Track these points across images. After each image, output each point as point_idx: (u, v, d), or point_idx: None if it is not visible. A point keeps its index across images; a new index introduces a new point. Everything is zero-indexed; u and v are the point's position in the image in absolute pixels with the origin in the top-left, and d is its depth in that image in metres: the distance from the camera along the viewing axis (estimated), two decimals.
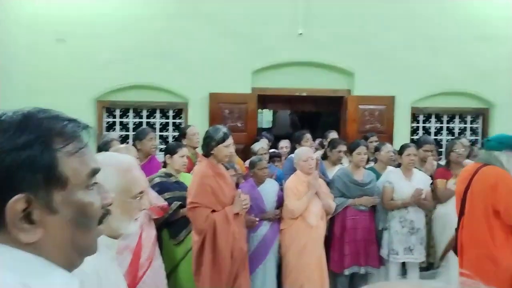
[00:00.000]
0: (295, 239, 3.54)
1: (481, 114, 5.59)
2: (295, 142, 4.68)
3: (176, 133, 5.31)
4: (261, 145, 4.52)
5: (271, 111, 10.54)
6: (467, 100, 5.52)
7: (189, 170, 3.68)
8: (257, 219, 3.51)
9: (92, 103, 5.39)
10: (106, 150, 2.91)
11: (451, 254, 3.91)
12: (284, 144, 5.05)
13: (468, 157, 4.44)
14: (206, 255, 2.75)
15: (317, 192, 3.61)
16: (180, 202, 3.22)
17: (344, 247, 3.83)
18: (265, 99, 6.10)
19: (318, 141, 5.25)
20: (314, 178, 3.64)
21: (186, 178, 3.38)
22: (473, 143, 5.46)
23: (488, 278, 2.85)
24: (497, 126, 5.39)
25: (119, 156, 1.36)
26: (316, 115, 7.71)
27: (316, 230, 3.57)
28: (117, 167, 1.22)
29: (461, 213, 3.20)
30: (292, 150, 4.51)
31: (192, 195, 2.85)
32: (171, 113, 5.69)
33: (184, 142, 4.09)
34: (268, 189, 3.72)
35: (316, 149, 4.80)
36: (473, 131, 5.69)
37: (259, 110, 10.29)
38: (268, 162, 4.37)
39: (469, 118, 5.67)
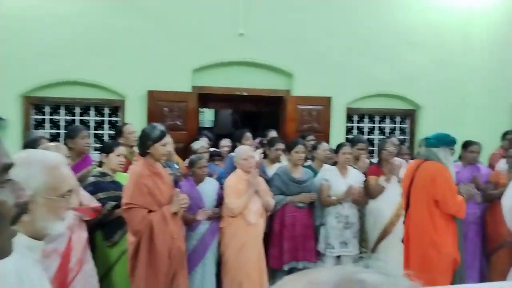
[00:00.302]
0: (234, 237, 3.55)
1: (409, 115, 5.97)
2: (236, 141, 4.70)
3: (112, 132, 5.11)
4: (201, 144, 4.48)
5: (213, 110, 10.52)
6: (396, 102, 5.86)
7: (126, 169, 3.57)
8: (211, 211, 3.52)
9: (18, 99, 5.03)
10: (34, 148, 2.73)
11: (381, 247, 4.16)
12: (225, 143, 5.05)
13: (397, 155, 4.73)
14: (142, 256, 2.67)
15: (256, 190, 3.65)
16: (116, 202, 3.11)
17: (283, 243, 3.91)
18: (205, 98, 6.06)
19: (258, 140, 5.31)
20: (254, 177, 3.68)
21: (123, 178, 3.27)
22: (402, 142, 5.81)
23: (432, 263, 3.11)
24: (423, 126, 5.80)
25: (46, 153, 1.29)
26: (257, 115, 7.80)
27: (255, 227, 3.61)
28: (43, 164, 1.15)
29: (407, 206, 3.46)
30: (233, 149, 4.53)
31: (128, 196, 2.76)
32: (106, 111, 5.46)
33: (121, 141, 3.95)
34: (208, 188, 3.70)
35: (257, 148, 4.85)
36: (402, 131, 6.06)
37: (200, 109, 10.26)
38: (209, 161, 4.35)
39: (398, 119, 6.03)
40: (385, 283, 0.45)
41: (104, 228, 3.20)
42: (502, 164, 4.47)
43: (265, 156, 4.47)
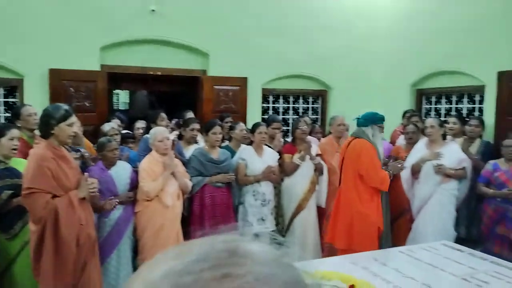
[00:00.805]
0: (151, 221, 3.44)
1: (321, 96, 6.24)
2: (151, 122, 4.52)
3: (8, 114, 4.62)
4: (112, 125, 4.24)
5: (128, 92, 10.02)
6: (309, 83, 6.09)
7: (25, 155, 3.24)
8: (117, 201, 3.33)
9: None
10: None
11: (295, 221, 4.34)
12: (140, 125, 4.83)
13: (310, 133, 4.93)
14: (47, 245, 2.45)
15: (173, 172, 3.57)
16: (13, 191, 2.82)
17: (204, 224, 3.89)
18: (117, 78, 5.73)
19: (175, 121, 5.18)
20: (170, 159, 3.58)
21: (21, 164, 2.96)
22: (315, 121, 6.07)
23: (360, 232, 3.31)
24: (334, 106, 6.11)
25: None
26: (175, 96, 7.59)
27: (172, 210, 3.53)
28: None
29: (340, 180, 3.66)
30: (148, 130, 4.36)
31: (28, 180, 2.49)
32: (1, 91, 4.90)
33: (19, 124, 3.58)
34: (120, 172, 3.52)
35: (173, 129, 4.73)
36: (314, 111, 6.33)
37: (114, 91, 9.71)
38: (121, 144, 4.14)
39: (311, 99, 6.28)
40: (261, 252, 0.43)
41: (1, 220, 2.88)
42: (401, 140, 4.89)
43: (181, 137, 4.37)
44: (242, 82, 5.56)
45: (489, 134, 4.54)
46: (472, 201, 4.30)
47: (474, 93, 5.15)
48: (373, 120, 3.61)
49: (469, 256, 2.64)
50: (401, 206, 4.57)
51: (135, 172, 3.59)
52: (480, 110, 4.99)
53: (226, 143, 4.58)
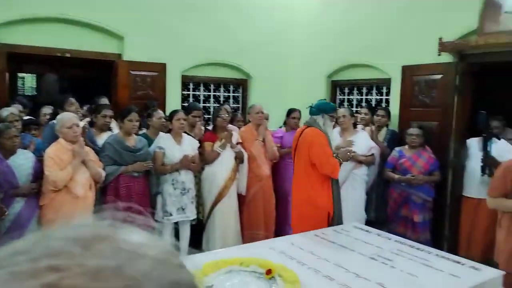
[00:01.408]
0: (59, 213, 3.18)
1: (242, 84, 6.26)
2: (58, 108, 4.16)
3: None
4: (11, 110, 3.83)
5: (35, 76, 9.15)
6: (230, 71, 6.07)
7: None
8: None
9: None
10: None
11: (216, 210, 4.33)
12: (46, 110, 4.43)
13: (231, 122, 4.92)
14: None
15: (84, 160, 3.33)
16: None
17: None
18: (20, 60, 5.19)
19: (86, 107, 4.84)
20: (80, 146, 3.33)
21: None
22: (236, 109, 6.08)
23: (310, 217, 3.37)
24: (254, 94, 6.17)
25: None
26: (89, 81, 7.09)
27: (84, 201, 3.30)
28: None
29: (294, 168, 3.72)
30: (55, 116, 4.01)
31: None
32: None
33: None
34: (21, 161, 3.19)
35: (84, 116, 4.41)
36: (235, 99, 6.33)
37: (20, 75, 8.79)
38: (23, 131, 3.76)
39: (232, 88, 6.27)
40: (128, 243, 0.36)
41: None
42: None
43: (93, 124, 4.10)
44: (160, 68, 5.35)
45: (394, 124, 4.91)
46: (380, 186, 4.63)
47: (382, 85, 5.53)
48: (325, 109, 3.70)
49: (377, 237, 2.83)
50: None
51: (40, 161, 3.28)
52: (387, 101, 5.38)
53: (144, 130, 4.42)
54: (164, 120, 4.33)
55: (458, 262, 2.43)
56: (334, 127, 4.63)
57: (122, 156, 3.75)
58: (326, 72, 6.04)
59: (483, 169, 4.06)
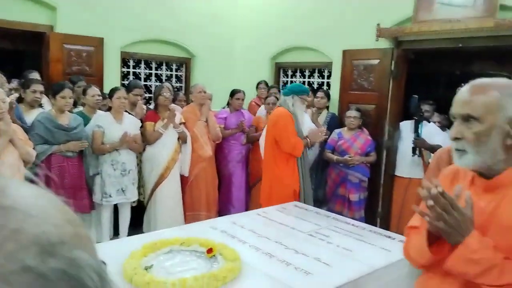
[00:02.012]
0: None
1: (185, 63, 6.10)
2: None
3: None
4: None
5: None
6: (173, 49, 5.88)
7: None
8: None
9: None
10: None
11: (158, 191, 4.24)
12: None
13: (173, 101, 4.80)
14: None
15: (11, 139, 3.09)
16: None
17: None
18: None
19: (15, 82, 4.47)
20: (7, 124, 3.08)
21: None
22: (178, 89, 5.94)
23: (278, 194, 3.41)
24: (197, 74, 6.05)
25: None
26: (19, 55, 6.54)
27: None
28: None
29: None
30: None
31: None
32: None
33: None
34: None
35: (11, 90, 4.08)
36: (178, 79, 6.17)
37: None
38: None
39: (174, 66, 6.10)
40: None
41: None
42: (262, 111, 5.13)
43: (21, 100, 3.81)
44: (97, 42, 5.06)
45: (334, 106, 5.07)
46: (320, 166, 4.79)
47: (324, 68, 5.66)
48: (295, 91, 3.77)
49: (315, 214, 2.93)
50: (259, 172, 4.84)
51: None
52: (328, 84, 5.52)
53: (80, 108, 4.19)
54: (99, 97, 4.13)
55: (389, 237, 2.59)
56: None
57: (54, 135, 3.54)
58: (270, 54, 6.06)
59: (413, 150, 4.33)
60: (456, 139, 1.18)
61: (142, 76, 5.78)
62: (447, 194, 1.10)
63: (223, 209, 4.78)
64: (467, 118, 1.15)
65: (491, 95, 1.13)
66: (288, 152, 3.63)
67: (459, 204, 1.13)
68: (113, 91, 3.98)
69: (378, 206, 4.73)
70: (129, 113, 4.24)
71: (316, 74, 5.86)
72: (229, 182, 4.92)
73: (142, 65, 5.76)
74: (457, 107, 1.19)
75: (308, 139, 3.76)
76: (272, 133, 3.66)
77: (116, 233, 4.13)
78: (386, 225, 4.36)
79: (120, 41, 5.31)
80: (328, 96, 4.96)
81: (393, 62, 4.46)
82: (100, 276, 0.32)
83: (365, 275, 1.98)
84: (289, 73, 6.18)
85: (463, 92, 1.19)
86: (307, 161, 3.91)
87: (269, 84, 5.69)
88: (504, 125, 1.12)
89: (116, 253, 1.95)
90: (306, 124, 3.97)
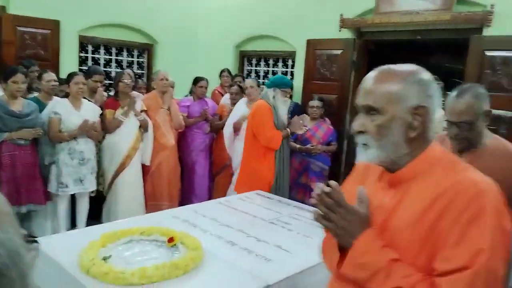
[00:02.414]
0: None
1: (147, 49, 5.94)
2: None
3: None
4: None
5: None
6: (134, 34, 5.71)
7: None
8: None
9: None
10: None
11: (118, 180, 4.14)
12: None
13: (134, 88, 4.68)
14: None
15: None
16: None
17: (1, 187, 3.34)
18: None
19: None
20: None
21: None
22: (140, 76, 5.79)
23: (254, 187, 3.37)
24: (160, 61, 5.91)
25: None
26: None
27: None
28: None
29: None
30: None
31: None
32: None
33: None
34: None
35: None
36: (140, 65, 6.01)
37: None
38: None
39: (136, 52, 5.92)
40: None
41: None
42: (226, 99, 5.09)
43: None
44: (53, 25, 4.82)
45: (298, 96, 5.11)
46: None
47: (288, 57, 5.68)
48: (277, 84, 3.72)
49: (277, 203, 2.96)
50: (223, 161, 4.83)
51: None
52: (292, 73, 5.56)
53: (35, 94, 4.00)
54: (55, 83, 3.96)
55: None
56: (239, 98, 4.70)
57: (5, 122, 3.37)
58: (235, 42, 6.01)
59: None
60: (359, 132, 1.08)
61: (102, 62, 5.58)
62: (334, 193, 1.02)
63: (185, 199, 4.73)
64: (368, 110, 1.06)
65: (393, 84, 1.04)
66: (265, 145, 3.61)
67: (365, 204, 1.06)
68: (70, 76, 3.82)
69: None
70: (89, 100, 4.09)
71: (280, 63, 5.88)
72: (192, 171, 4.87)
73: (102, 50, 5.56)
74: (359, 98, 1.09)
75: (288, 129, 3.74)
76: (251, 125, 3.65)
77: (73, 225, 4.01)
78: None
79: (78, 24, 5.09)
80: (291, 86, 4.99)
81: (355, 52, 4.54)
82: (10, 251, 0.30)
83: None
84: (254, 61, 6.16)
85: (367, 80, 1.09)
86: (287, 153, 3.84)
87: (233, 73, 5.65)
88: (406, 116, 1.03)
89: (73, 244, 1.89)
90: (284, 116, 3.86)
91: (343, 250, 1.07)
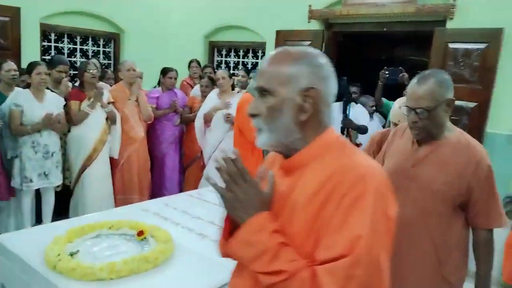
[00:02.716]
0: None
1: (113, 39, 5.78)
2: None
3: None
4: None
5: None
6: (100, 23, 5.53)
7: None
8: None
9: None
10: None
11: (85, 174, 4.03)
12: None
13: (101, 79, 4.55)
14: None
15: None
16: None
17: None
18: None
19: None
20: None
21: None
22: (106, 66, 5.63)
23: None
24: (127, 51, 5.77)
25: None
26: None
27: None
28: None
29: None
30: None
31: None
32: None
33: None
34: None
35: None
36: (106, 55, 5.84)
37: None
38: None
39: (102, 42, 5.75)
40: None
41: None
42: (196, 91, 5.03)
43: None
44: (13, 12, 4.60)
45: None
46: None
47: (258, 48, 5.67)
48: None
49: None
50: (194, 153, 4.79)
51: None
52: None
53: None
54: (15, 72, 3.80)
55: None
56: (210, 90, 4.65)
57: None
58: (204, 32, 5.94)
59: (342, 131, 4.53)
60: (252, 116, 1.03)
61: (66, 51, 5.38)
62: (240, 164, 0.97)
63: (156, 192, 4.67)
64: (261, 92, 1.01)
65: (285, 65, 0.99)
66: (251, 140, 3.58)
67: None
68: (32, 66, 3.67)
69: None
70: (52, 91, 3.95)
71: (250, 54, 5.86)
72: (162, 163, 4.81)
73: (66, 39, 5.36)
74: (255, 80, 1.05)
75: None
76: (237, 121, 3.62)
77: (39, 221, 3.89)
78: None
79: (40, 11, 4.88)
80: None
81: (323, 44, 4.58)
82: None
83: None
84: (224, 52, 6.12)
85: (263, 62, 1.05)
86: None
87: (203, 64, 5.59)
88: (297, 98, 0.98)
89: (38, 240, 1.84)
90: None
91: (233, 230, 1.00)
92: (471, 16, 3.69)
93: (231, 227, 1.02)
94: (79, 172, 4.03)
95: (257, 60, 5.79)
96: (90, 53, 5.59)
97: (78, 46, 5.49)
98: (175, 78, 4.82)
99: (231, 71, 5.69)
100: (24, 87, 3.79)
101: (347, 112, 4.52)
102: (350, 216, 0.87)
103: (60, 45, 5.31)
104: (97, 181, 4.08)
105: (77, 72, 4.57)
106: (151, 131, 4.73)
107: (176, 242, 1.92)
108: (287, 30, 4.81)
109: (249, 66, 5.80)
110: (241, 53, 5.93)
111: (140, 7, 5.70)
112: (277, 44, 4.92)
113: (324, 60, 1.03)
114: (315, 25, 4.66)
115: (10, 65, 3.75)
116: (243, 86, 4.94)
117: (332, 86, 1.03)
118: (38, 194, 3.85)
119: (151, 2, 5.83)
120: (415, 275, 1.73)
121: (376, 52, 7.16)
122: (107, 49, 5.80)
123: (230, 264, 1.82)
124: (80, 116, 3.97)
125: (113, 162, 4.26)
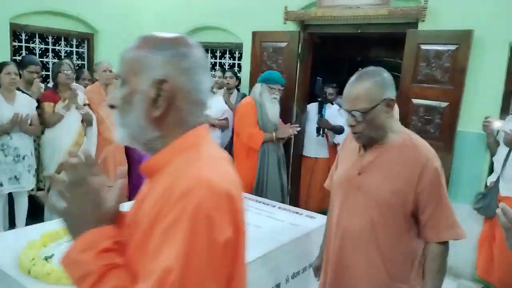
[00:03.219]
0: None
1: (87, 39, 5.66)
2: None
3: None
4: None
5: None
6: (72, 23, 5.40)
7: None
8: None
9: None
10: None
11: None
12: None
13: (77, 79, 4.46)
14: None
15: None
16: None
17: None
18: None
19: None
20: None
21: None
22: (80, 67, 5.51)
23: None
24: (101, 51, 5.66)
25: None
26: None
27: None
28: None
29: None
30: None
31: None
32: None
33: None
34: None
35: None
36: (80, 55, 5.71)
37: None
38: None
39: (75, 42, 5.62)
40: None
41: None
42: None
43: None
44: None
45: (246, 87, 5.13)
46: (232, 149, 4.84)
47: (235, 49, 5.67)
48: (265, 79, 3.65)
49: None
50: None
51: None
52: (240, 66, 5.56)
53: None
54: None
55: (297, 213, 2.74)
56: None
57: None
58: (180, 32, 5.84)
59: (318, 131, 4.59)
60: (111, 107, 0.93)
61: (37, 51, 5.24)
62: (83, 170, 0.84)
63: (134, 195, 4.58)
64: (121, 81, 0.89)
65: (140, 50, 0.87)
66: (246, 143, 3.52)
67: None
68: (1, 66, 3.58)
69: (288, 184, 4.95)
70: (24, 92, 3.85)
71: (227, 55, 5.85)
72: (139, 165, 4.74)
73: (37, 39, 5.22)
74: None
75: (273, 133, 3.61)
76: (234, 124, 3.62)
77: (12, 225, 3.78)
78: (295, 202, 4.59)
79: (9, 11, 4.73)
80: (236, 76, 5.03)
81: (300, 45, 4.62)
82: None
83: (274, 249, 2.08)
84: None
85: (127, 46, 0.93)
86: (272, 155, 3.68)
87: None
88: (149, 90, 0.84)
89: (11, 244, 1.79)
90: (272, 114, 3.73)
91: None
92: (442, 18, 3.80)
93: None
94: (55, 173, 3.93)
95: (234, 61, 5.79)
96: (62, 54, 5.46)
97: (50, 47, 5.35)
98: None
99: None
100: None
101: (323, 113, 4.59)
102: (165, 243, 0.73)
103: (32, 45, 5.17)
104: None
105: (49, 73, 4.46)
106: None
107: None
108: (264, 31, 4.83)
109: (226, 66, 5.79)
110: (218, 54, 5.92)
111: (114, 7, 5.61)
112: (254, 45, 4.94)
113: (193, 51, 0.89)
114: (291, 26, 4.69)
115: None
116: (220, 87, 4.94)
117: (198, 80, 0.88)
118: (11, 198, 3.74)
119: (125, 2, 5.74)
120: None
121: (352, 54, 7.28)
122: (80, 50, 5.68)
123: None
124: (55, 118, 3.89)
125: None
